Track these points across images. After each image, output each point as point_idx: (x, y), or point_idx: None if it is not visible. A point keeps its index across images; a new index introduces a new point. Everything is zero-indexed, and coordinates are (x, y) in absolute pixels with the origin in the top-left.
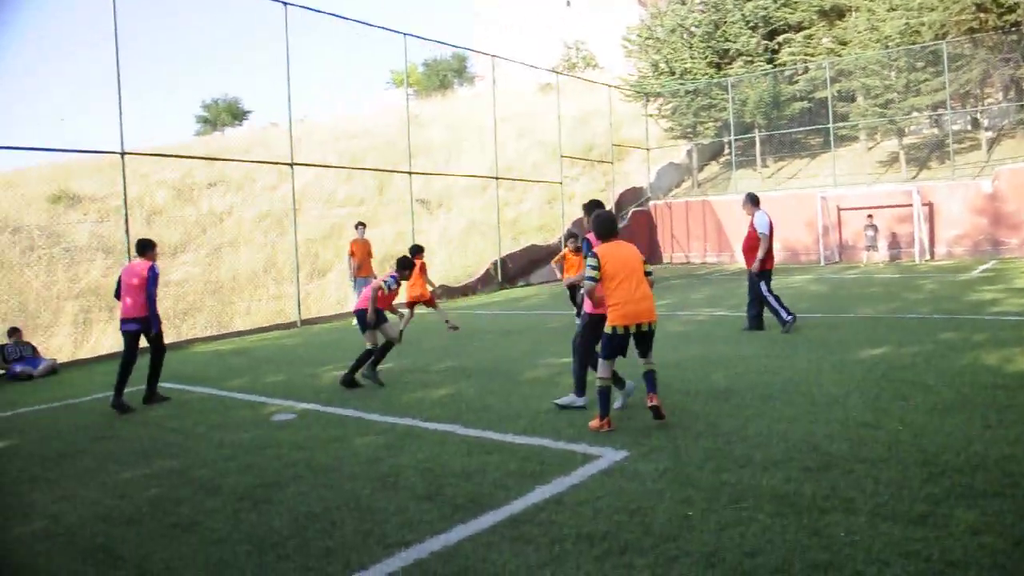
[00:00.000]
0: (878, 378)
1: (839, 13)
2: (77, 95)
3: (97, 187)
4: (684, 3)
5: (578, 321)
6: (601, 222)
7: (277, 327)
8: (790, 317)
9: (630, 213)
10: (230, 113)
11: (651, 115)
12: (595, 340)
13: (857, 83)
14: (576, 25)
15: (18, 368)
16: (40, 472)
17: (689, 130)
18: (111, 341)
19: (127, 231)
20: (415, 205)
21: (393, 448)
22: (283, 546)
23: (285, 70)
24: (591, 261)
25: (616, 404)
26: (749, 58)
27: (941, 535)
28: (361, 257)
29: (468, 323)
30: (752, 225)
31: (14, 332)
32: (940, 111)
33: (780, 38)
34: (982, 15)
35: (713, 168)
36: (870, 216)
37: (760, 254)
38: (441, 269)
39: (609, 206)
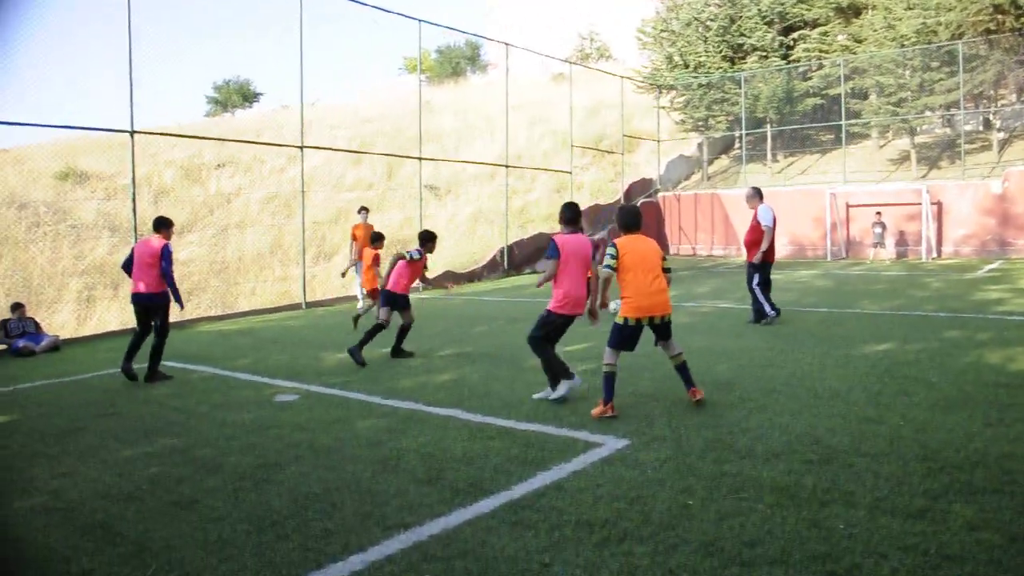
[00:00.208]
0: (881, 374)
1: (856, 11)
2: (88, 73)
3: (105, 165)
4: None
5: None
6: (626, 214)
7: (282, 308)
8: (773, 312)
9: (639, 204)
10: (241, 95)
11: (663, 107)
12: (544, 333)
13: (871, 81)
14: (590, 16)
15: (20, 343)
16: (41, 448)
17: (701, 123)
18: (115, 319)
19: (134, 210)
20: (424, 191)
21: (395, 431)
22: (282, 526)
23: (298, 53)
24: (609, 251)
25: (556, 394)
26: (764, 53)
27: (939, 530)
28: (363, 241)
29: (473, 309)
30: (755, 218)
31: (17, 307)
32: (953, 111)
33: (795, 34)
34: (1000, 16)
35: (723, 162)
36: (878, 213)
37: (763, 246)
38: (448, 255)
39: (618, 197)
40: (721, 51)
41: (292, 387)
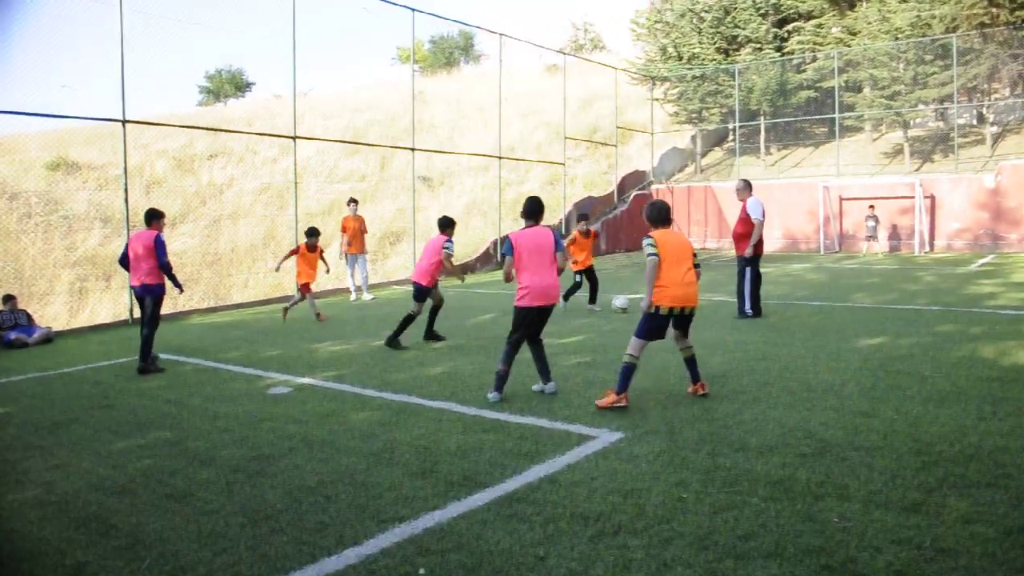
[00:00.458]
0: (874, 367)
1: (850, 3)
2: (79, 61)
3: (96, 155)
4: None
5: (564, 305)
6: (657, 210)
7: (275, 300)
8: (751, 312)
9: (632, 196)
10: (233, 84)
11: (657, 99)
12: (515, 330)
13: (865, 74)
14: (584, 6)
15: (13, 335)
16: (34, 440)
17: (694, 115)
18: (107, 311)
19: (126, 200)
20: (417, 182)
21: (389, 424)
22: (277, 519)
23: (291, 42)
24: (648, 241)
25: (535, 387)
26: (758, 45)
27: (934, 523)
28: (352, 233)
29: (466, 302)
30: (745, 211)
31: (9, 299)
32: (947, 105)
33: (790, 26)
34: (994, 10)
35: (717, 154)
36: (872, 207)
37: (753, 239)
38: None
39: (611, 189)
40: (715, 43)
41: (285, 380)
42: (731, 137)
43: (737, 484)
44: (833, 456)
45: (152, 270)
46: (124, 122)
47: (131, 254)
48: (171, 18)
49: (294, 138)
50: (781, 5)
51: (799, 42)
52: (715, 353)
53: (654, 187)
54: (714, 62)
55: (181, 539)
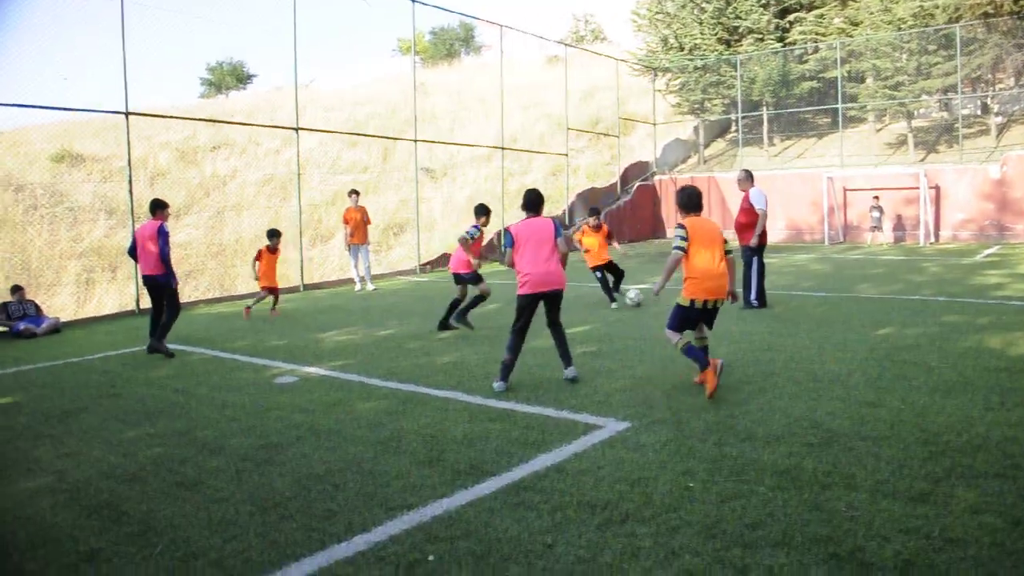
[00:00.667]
0: (880, 358)
1: None
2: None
3: (100, 147)
4: None
5: (614, 305)
6: (688, 196)
7: (279, 291)
8: (756, 303)
9: (635, 187)
10: (235, 76)
11: (659, 90)
12: (517, 317)
13: (867, 64)
14: None
15: (21, 326)
16: (44, 429)
17: (697, 106)
18: (113, 301)
19: (131, 192)
20: (419, 173)
21: (395, 413)
22: (285, 507)
23: (292, 34)
24: (679, 232)
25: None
26: (759, 36)
27: (941, 513)
28: (354, 224)
29: (471, 292)
30: (748, 201)
31: (17, 290)
32: (950, 95)
33: (791, 16)
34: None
35: (720, 145)
36: (876, 198)
37: (759, 229)
38: (444, 238)
39: (614, 180)
40: (716, 33)
41: (291, 369)
42: (734, 128)
43: (744, 473)
44: (840, 446)
45: (159, 260)
46: (127, 114)
47: (139, 244)
48: (172, 10)
49: (296, 129)
50: None
51: (801, 32)
52: (721, 344)
53: (657, 178)
54: (716, 53)
55: (192, 526)
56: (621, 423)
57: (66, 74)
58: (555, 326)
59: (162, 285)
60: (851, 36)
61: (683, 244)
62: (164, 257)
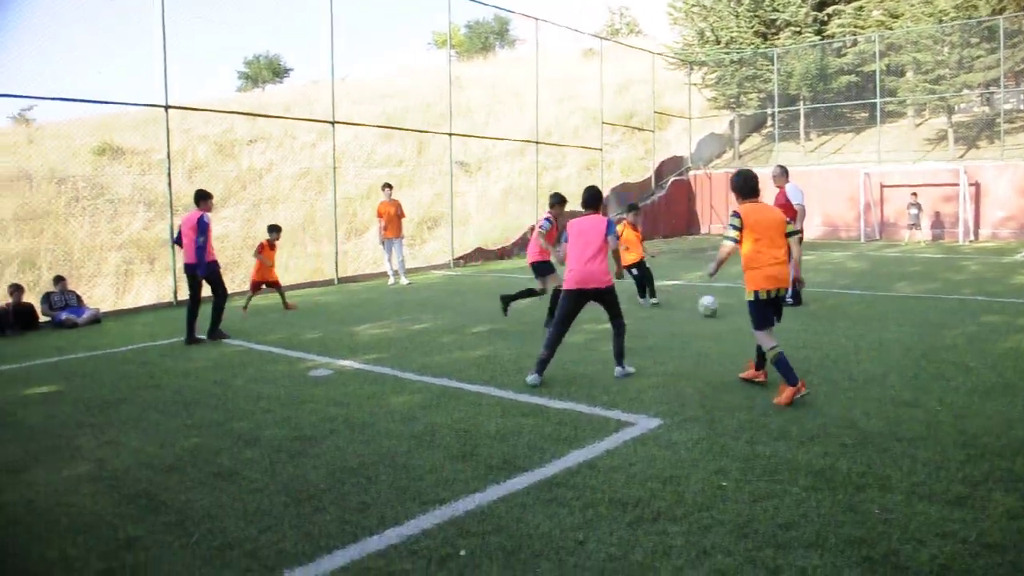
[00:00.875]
0: (917, 358)
1: None
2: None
3: (140, 140)
4: None
5: (643, 301)
6: (743, 179)
7: (314, 284)
8: (791, 300)
9: (669, 182)
10: (271, 70)
11: (695, 84)
12: (557, 307)
13: (907, 58)
14: None
15: (63, 316)
16: (86, 418)
17: (732, 100)
18: (151, 292)
19: (169, 184)
20: (454, 167)
21: (429, 407)
22: (320, 499)
23: (328, 28)
24: (732, 220)
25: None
26: (797, 29)
27: (979, 517)
28: (388, 218)
29: (504, 287)
30: (784, 197)
31: (59, 280)
32: (993, 89)
33: (830, 9)
34: None
35: (755, 140)
36: (914, 194)
37: (798, 224)
38: (479, 232)
39: (648, 175)
40: (753, 26)
41: (326, 362)
42: (770, 122)
43: (777, 473)
44: (875, 447)
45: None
46: (167, 107)
47: (183, 234)
48: (211, 5)
49: (332, 123)
50: None
51: (839, 25)
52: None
53: (692, 173)
54: (752, 46)
55: (228, 516)
56: (653, 420)
57: (101, 69)
58: (615, 325)
59: (207, 274)
60: (891, 29)
61: (734, 234)
62: (198, 247)
